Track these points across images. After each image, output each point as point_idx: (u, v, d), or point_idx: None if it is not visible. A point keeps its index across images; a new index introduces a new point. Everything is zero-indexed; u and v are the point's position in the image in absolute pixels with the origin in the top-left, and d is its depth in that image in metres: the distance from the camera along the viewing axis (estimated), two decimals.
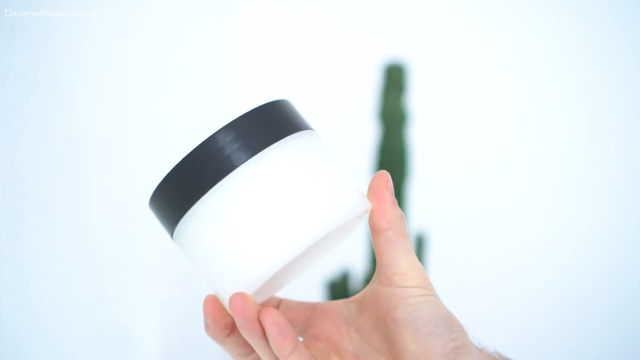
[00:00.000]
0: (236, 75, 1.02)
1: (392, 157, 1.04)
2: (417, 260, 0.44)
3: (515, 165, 1.29)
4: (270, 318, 0.41)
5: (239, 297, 0.40)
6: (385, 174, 0.43)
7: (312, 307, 0.48)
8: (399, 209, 0.44)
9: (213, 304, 0.44)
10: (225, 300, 0.41)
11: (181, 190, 0.40)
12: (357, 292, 1.04)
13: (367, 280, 1.04)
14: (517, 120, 1.29)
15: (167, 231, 0.42)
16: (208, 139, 0.40)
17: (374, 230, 0.44)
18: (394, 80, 1.03)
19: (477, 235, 1.28)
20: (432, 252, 1.24)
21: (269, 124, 0.41)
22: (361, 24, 1.15)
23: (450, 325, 0.44)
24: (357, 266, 1.10)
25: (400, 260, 0.43)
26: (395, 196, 1.04)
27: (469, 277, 1.27)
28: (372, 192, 0.43)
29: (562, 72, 1.28)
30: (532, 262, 1.30)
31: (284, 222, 0.40)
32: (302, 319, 0.48)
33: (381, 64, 1.05)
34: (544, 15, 1.19)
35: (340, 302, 0.48)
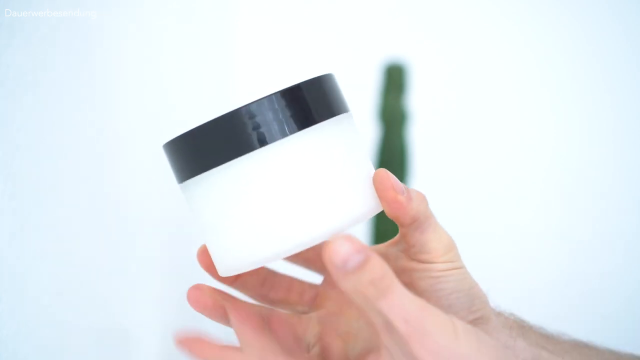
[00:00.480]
0: (236, 75, 1.02)
1: (392, 157, 1.04)
2: (444, 232, 0.44)
3: (515, 165, 1.29)
4: (236, 313, 0.42)
5: (192, 290, 0.43)
6: (383, 175, 0.43)
7: None
8: (413, 195, 0.43)
9: (204, 256, 0.44)
10: (216, 262, 0.42)
11: (214, 144, 0.39)
12: None
13: None
14: (517, 120, 1.29)
15: (177, 175, 0.42)
16: (255, 102, 0.39)
17: (398, 224, 0.44)
18: (394, 80, 1.03)
19: (478, 235, 1.28)
20: None
21: (315, 101, 0.40)
22: (361, 24, 1.15)
23: (472, 297, 0.44)
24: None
25: (427, 241, 0.43)
26: None
27: None
28: (382, 198, 0.43)
29: (562, 71, 1.28)
30: (533, 262, 1.30)
31: (299, 213, 0.39)
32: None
33: (381, 64, 1.05)
34: (544, 15, 1.19)
35: None
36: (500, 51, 1.22)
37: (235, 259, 0.41)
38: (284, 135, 0.39)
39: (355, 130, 0.43)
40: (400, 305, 0.37)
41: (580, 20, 1.19)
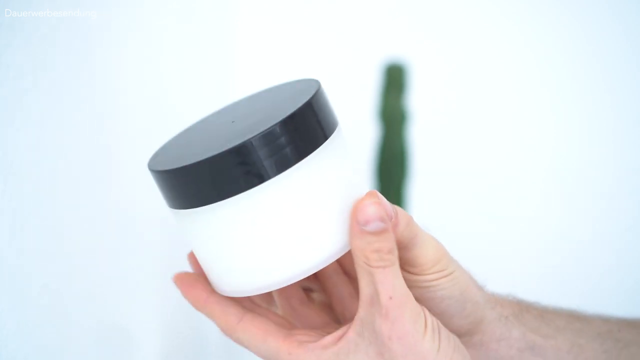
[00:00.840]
0: (236, 74, 1.02)
1: (392, 157, 1.04)
2: (431, 244, 0.45)
3: (515, 165, 1.29)
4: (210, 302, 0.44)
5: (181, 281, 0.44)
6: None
7: None
8: (400, 221, 0.43)
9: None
10: (215, 285, 0.43)
11: (218, 179, 0.39)
12: None
13: None
14: (517, 120, 1.29)
15: (169, 202, 0.42)
16: (248, 141, 0.38)
17: None
18: (394, 80, 1.03)
19: (478, 235, 1.28)
20: None
21: (308, 128, 0.40)
22: (361, 24, 1.15)
23: (463, 302, 0.45)
24: None
25: (415, 258, 0.44)
26: (396, 196, 1.04)
27: None
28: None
29: (562, 70, 1.28)
30: (534, 262, 1.29)
31: (294, 247, 0.40)
32: None
33: (381, 64, 1.05)
34: (545, 15, 1.19)
35: None
36: (500, 51, 1.22)
37: (238, 285, 0.41)
38: (276, 172, 0.39)
39: (344, 149, 0.42)
40: (391, 282, 0.40)
41: (580, 20, 1.19)
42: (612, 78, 1.27)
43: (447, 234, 1.36)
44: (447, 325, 0.44)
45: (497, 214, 1.30)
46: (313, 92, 0.41)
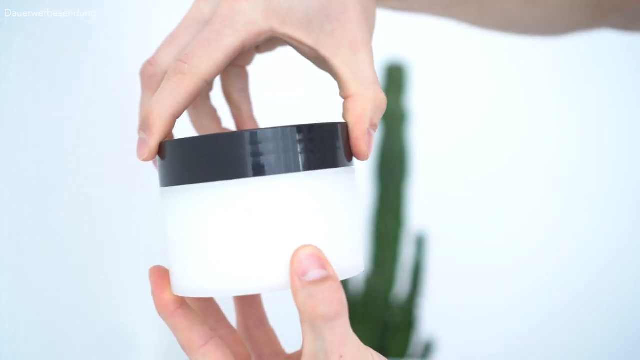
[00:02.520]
0: None
1: (392, 157, 1.04)
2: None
3: (515, 164, 1.29)
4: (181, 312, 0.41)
5: (157, 296, 0.41)
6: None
7: None
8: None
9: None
10: (173, 281, 0.40)
11: (211, 159, 0.37)
12: (356, 292, 1.04)
13: (368, 281, 1.05)
14: (517, 120, 1.29)
15: (163, 178, 0.40)
16: (269, 129, 0.37)
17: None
18: (394, 80, 1.03)
19: (477, 235, 1.28)
20: (432, 252, 1.24)
21: (326, 146, 0.39)
22: None
23: None
24: None
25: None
26: (395, 196, 1.04)
27: (468, 277, 1.27)
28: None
29: (562, 71, 1.28)
30: (533, 261, 1.30)
31: (269, 255, 0.38)
32: None
33: (381, 64, 1.05)
34: None
35: None
36: (500, 51, 1.22)
37: (197, 282, 0.39)
38: (288, 170, 0.37)
39: (353, 185, 0.41)
40: (341, 337, 0.36)
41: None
42: (612, 76, 1.27)
43: (447, 233, 1.37)
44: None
45: (497, 213, 1.30)
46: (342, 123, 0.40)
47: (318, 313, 0.36)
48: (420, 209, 1.24)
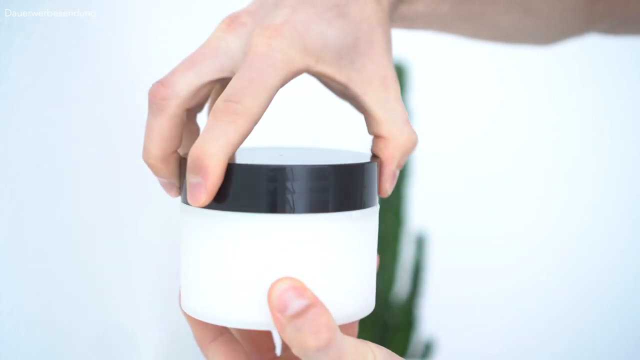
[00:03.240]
0: None
1: None
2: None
3: (515, 164, 1.29)
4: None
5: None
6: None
7: None
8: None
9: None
10: (181, 293, 0.41)
11: (257, 189, 0.37)
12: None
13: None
14: (517, 120, 1.29)
15: (184, 194, 0.40)
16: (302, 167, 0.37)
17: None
18: None
19: (477, 235, 1.28)
20: (432, 252, 1.24)
21: (360, 185, 0.38)
22: None
23: None
24: None
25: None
26: (395, 196, 1.04)
27: (468, 277, 1.27)
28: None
29: (562, 71, 1.28)
30: (533, 261, 1.30)
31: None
32: None
33: None
34: None
35: None
36: (500, 51, 1.22)
37: (199, 304, 0.39)
38: (318, 210, 0.37)
39: (376, 224, 0.41)
40: (338, 355, 0.35)
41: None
42: (612, 76, 1.27)
43: (447, 233, 1.37)
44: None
45: (497, 213, 1.30)
46: (369, 160, 0.40)
47: (309, 347, 0.34)
48: (420, 209, 1.24)
